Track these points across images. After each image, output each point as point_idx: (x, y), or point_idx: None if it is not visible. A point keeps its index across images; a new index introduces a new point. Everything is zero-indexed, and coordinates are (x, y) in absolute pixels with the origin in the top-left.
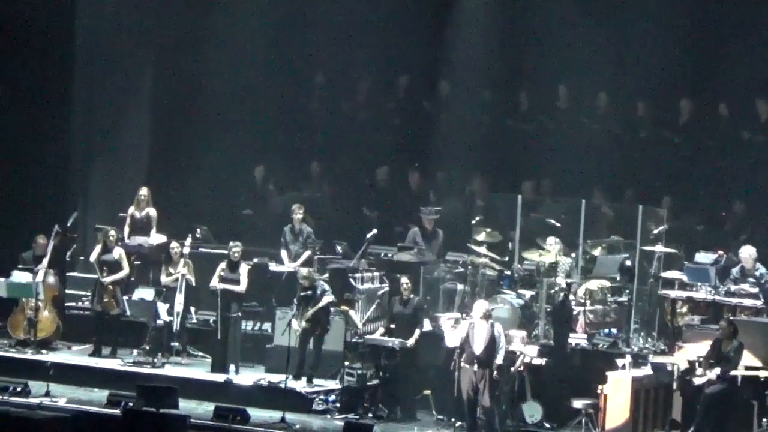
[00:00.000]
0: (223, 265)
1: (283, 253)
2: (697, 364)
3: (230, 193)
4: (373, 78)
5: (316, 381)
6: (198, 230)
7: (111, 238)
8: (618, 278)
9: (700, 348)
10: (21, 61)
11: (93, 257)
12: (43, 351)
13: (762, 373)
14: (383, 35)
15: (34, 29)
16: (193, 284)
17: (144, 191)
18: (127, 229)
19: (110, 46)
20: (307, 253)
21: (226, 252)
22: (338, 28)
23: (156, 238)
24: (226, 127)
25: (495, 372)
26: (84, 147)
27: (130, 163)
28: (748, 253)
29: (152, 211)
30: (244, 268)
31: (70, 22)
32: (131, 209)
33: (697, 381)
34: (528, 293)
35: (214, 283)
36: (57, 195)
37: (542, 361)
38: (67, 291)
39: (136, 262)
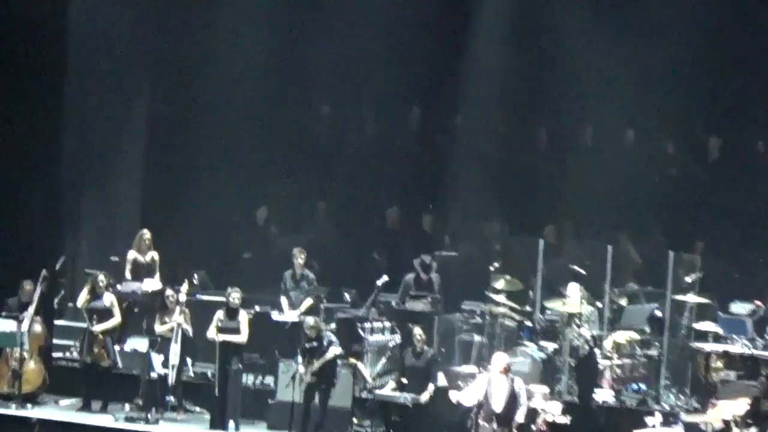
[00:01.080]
0: (221, 313)
1: (283, 300)
2: (733, 423)
3: (229, 236)
4: (383, 111)
5: None
6: (195, 276)
7: (101, 284)
8: (647, 330)
9: (737, 406)
10: (8, 95)
11: (81, 304)
12: (29, 405)
13: None
14: (393, 65)
15: (23, 59)
16: (190, 334)
17: (147, 234)
18: (129, 275)
19: (102, 81)
20: (309, 301)
21: (224, 299)
22: (345, 57)
23: (150, 284)
24: (225, 164)
25: (515, 431)
26: (74, 186)
27: (122, 203)
28: None
29: (156, 255)
30: (244, 317)
31: (61, 53)
32: (133, 253)
33: None
34: (550, 345)
35: (212, 332)
36: (44, 237)
37: (566, 420)
38: (54, 340)
39: (135, 310)
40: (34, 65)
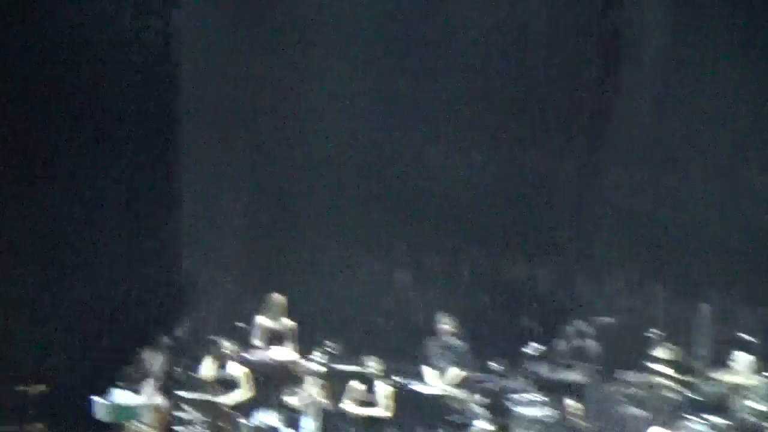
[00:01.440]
0: (357, 384)
1: (426, 371)
2: None
3: (365, 300)
4: (523, 162)
5: None
6: (328, 344)
7: (227, 352)
8: None
9: None
10: (120, 154)
11: (206, 374)
12: None
13: None
14: (532, 106)
15: (131, 111)
16: (325, 408)
17: (279, 298)
18: (260, 343)
19: (211, 123)
20: (457, 372)
21: (361, 369)
22: (476, 103)
23: (280, 352)
24: (353, 220)
25: None
26: (194, 247)
27: (249, 265)
28: None
29: (289, 322)
30: (383, 388)
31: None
32: (263, 319)
33: None
34: (719, 421)
35: (349, 406)
36: (165, 301)
37: None
38: (176, 414)
39: (264, 381)
40: (145, 122)
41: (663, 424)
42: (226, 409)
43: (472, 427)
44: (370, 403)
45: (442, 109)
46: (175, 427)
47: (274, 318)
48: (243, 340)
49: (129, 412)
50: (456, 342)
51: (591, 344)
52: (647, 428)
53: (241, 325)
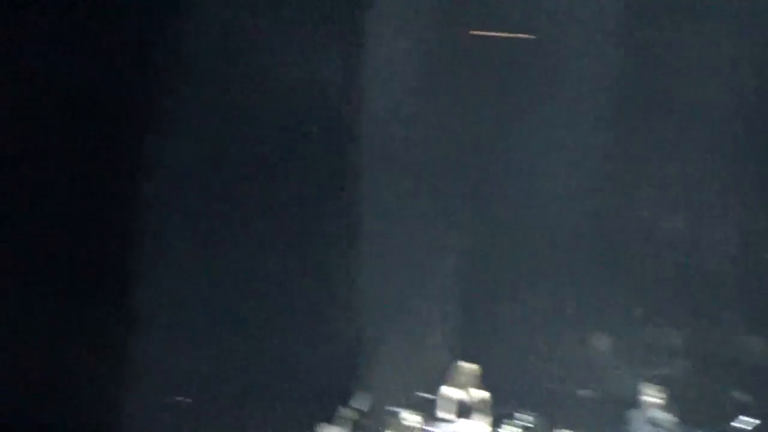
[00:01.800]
0: None
1: None
2: None
3: (561, 368)
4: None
5: None
6: (521, 417)
7: (409, 425)
8: None
9: None
10: (304, 208)
11: None
12: None
13: None
14: None
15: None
16: None
17: (467, 366)
18: (449, 416)
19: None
20: None
21: None
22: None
23: (469, 426)
24: (550, 285)
25: None
26: (375, 310)
27: (433, 327)
28: None
29: (480, 393)
30: None
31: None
32: (448, 389)
33: None
34: None
35: None
36: (343, 369)
37: None
38: None
39: None
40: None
41: None
42: None
43: None
44: None
45: (678, 171)
46: None
47: (463, 388)
48: (427, 413)
49: None
50: (662, 415)
51: None
52: None
53: (425, 395)
